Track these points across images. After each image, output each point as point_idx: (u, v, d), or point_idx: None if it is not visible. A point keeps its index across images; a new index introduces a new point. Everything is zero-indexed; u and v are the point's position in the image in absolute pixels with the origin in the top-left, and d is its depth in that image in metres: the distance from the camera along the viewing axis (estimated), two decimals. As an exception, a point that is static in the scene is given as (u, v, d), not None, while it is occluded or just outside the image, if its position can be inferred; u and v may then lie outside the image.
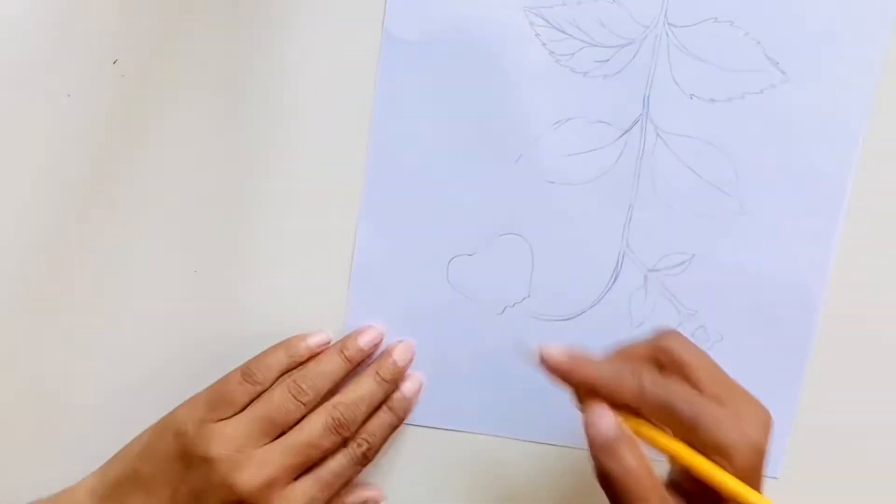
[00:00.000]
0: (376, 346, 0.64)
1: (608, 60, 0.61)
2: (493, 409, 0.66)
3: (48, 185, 0.63)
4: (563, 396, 0.63)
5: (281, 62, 0.62)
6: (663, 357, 0.56)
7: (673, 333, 0.57)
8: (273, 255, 0.64)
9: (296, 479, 0.61)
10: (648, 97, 0.62)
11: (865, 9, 0.60)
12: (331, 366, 0.63)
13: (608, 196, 0.63)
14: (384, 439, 0.64)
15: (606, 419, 0.54)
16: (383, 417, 0.64)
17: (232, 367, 0.63)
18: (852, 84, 0.61)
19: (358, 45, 0.62)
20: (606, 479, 0.53)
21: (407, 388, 0.64)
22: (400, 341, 0.65)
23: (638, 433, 0.54)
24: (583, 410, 0.55)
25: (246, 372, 0.61)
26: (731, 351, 0.64)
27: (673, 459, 0.55)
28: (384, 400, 0.64)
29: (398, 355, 0.64)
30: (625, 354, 0.58)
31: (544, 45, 0.61)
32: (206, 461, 0.59)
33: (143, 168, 0.63)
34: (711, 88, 0.61)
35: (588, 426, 0.54)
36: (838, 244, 0.63)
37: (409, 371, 0.65)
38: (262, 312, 0.65)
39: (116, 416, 0.66)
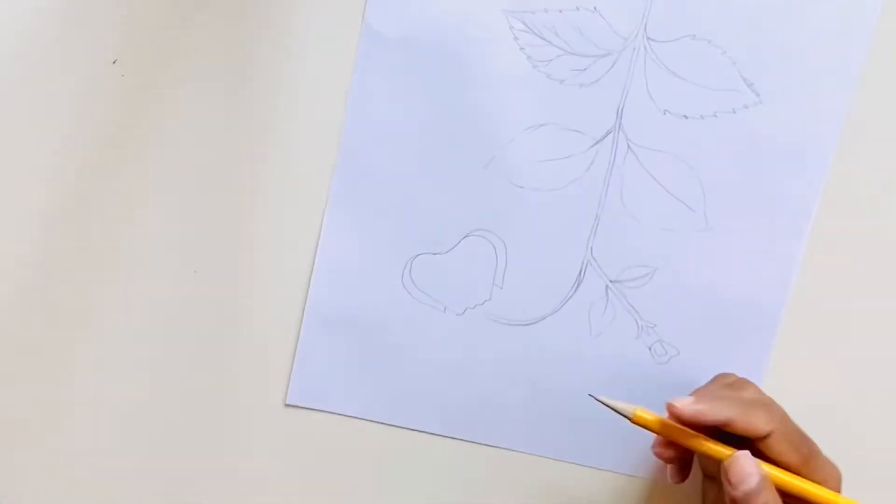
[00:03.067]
0: None
1: (585, 69, 0.61)
2: (450, 411, 0.65)
3: (47, 184, 0.63)
4: (519, 400, 0.64)
5: (275, 61, 0.62)
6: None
7: (741, 380, 0.60)
8: (273, 255, 0.64)
9: None
10: (622, 109, 0.62)
11: (840, 35, 0.61)
12: None
13: (576, 204, 0.63)
14: None
15: (751, 467, 0.55)
16: None
17: (231, 368, 0.65)
18: (824, 109, 0.61)
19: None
20: None
21: None
22: None
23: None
24: (721, 459, 0.56)
25: None
26: (688, 366, 0.65)
27: (801, 493, 0.56)
28: None
29: None
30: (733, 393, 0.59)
31: (522, 49, 0.61)
32: None
33: (143, 168, 0.63)
34: (685, 105, 0.61)
35: (732, 474, 0.55)
36: (800, 265, 0.63)
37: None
38: (261, 312, 0.65)
39: (116, 414, 0.65)
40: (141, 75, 0.62)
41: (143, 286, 0.64)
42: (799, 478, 0.56)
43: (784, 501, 0.55)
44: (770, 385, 0.64)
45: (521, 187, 0.63)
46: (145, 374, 0.65)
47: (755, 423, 0.55)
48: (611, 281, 0.64)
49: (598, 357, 0.65)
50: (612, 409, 0.57)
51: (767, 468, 0.55)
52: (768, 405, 0.57)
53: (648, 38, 0.61)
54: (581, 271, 0.64)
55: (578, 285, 0.64)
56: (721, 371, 0.64)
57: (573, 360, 0.65)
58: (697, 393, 0.59)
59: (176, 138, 0.63)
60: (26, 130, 0.62)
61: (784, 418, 0.56)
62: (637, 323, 0.64)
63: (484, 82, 0.61)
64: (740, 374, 0.63)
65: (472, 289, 0.64)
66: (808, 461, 0.56)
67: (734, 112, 0.61)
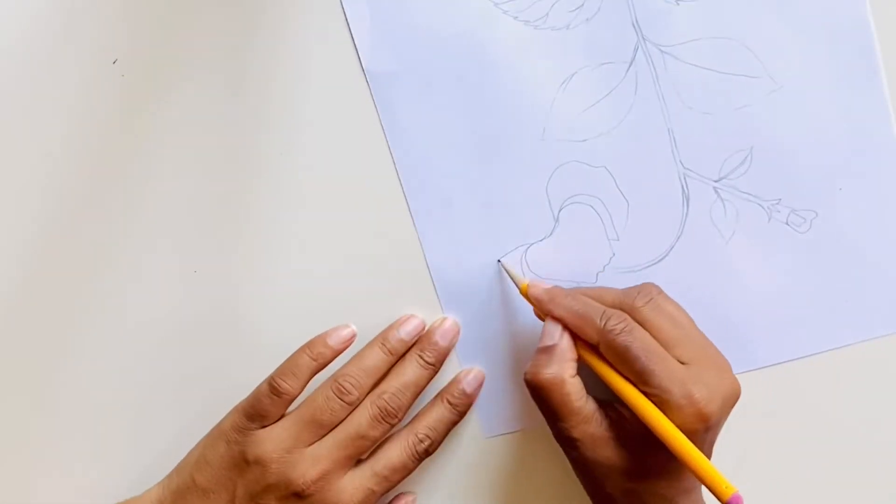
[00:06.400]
0: (418, 335, 0.64)
1: (583, 5, 0.60)
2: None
3: (48, 184, 0.64)
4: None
5: (280, 64, 0.62)
6: (630, 313, 0.58)
7: (644, 290, 0.59)
8: (273, 255, 0.64)
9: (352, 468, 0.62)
10: (637, 21, 0.60)
11: None
12: (373, 360, 0.63)
13: (644, 130, 0.61)
14: (445, 434, 0.63)
15: (550, 330, 0.59)
16: (444, 413, 0.63)
17: (231, 367, 0.65)
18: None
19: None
20: (527, 385, 0.58)
21: (467, 383, 0.64)
22: (444, 319, 0.64)
23: (588, 362, 0.58)
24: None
25: (272, 385, 0.61)
26: (829, 221, 0.62)
27: (619, 394, 0.56)
28: (429, 381, 0.63)
29: (440, 336, 0.63)
30: (599, 297, 0.60)
31: (516, 18, 0.60)
32: (260, 463, 0.60)
33: (143, 168, 0.63)
34: (693, -16, 0.60)
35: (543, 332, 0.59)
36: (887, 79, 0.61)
37: (470, 366, 0.65)
38: (261, 312, 0.65)
39: (118, 414, 0.66)
40: (141, 75, 0.62)
41: (142, 286, 0.65)
42: (599, 360, 0.57)
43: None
44: None
45: (584, 140, 0.62)
46: (145, 374, 0.65)
47: (584, 329, 0.58)
48: (715, 181, 0.62)
49: (743, 255, 0.63)
50: (510, 276, 0.63)
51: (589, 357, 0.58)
52: (613, 318, 0.57)
53: (626, -56, 0.60)
54: (683, 186, 0.62)
55: (688, 201, 0.62)
56: (866, 213, 0.62)
57: (720, 272, 0.63)
58: (580, 289, 0.62)
59: (176, 138, 0.63)
60: (27, 130, 0.63)
61: (621, 337, 0.56)
62: (762, 206, 0.62)
63: (499, 65, 0.61)
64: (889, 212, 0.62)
65: (593, 254, 0.63)
66: (641, 378, 0.55)
67: (744, -33, 0.60)
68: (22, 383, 0.67)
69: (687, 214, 0.63)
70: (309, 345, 0.63)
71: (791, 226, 0.63)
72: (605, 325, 0.57)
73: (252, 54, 0.62)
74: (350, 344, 0.63)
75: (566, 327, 0.59)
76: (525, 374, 0.58)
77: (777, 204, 0.62)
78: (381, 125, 0.62)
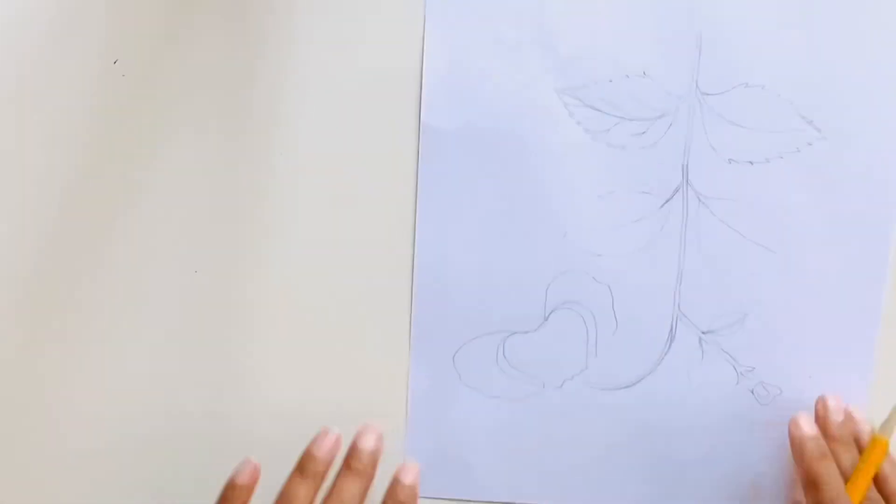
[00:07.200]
0: (335, 453, 0.60)
1: (644, 133, 0.62)
2: (558, 481, 0.66)
3: (48, 184, 0.63)
4: (628, 460, 0.64)
5: (280, 63, 0.62)
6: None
7: None
8: (273, 255, 0.64)
9: None
10: (687, 165, 0.62)
11: (890, 57, 0.61)
12: (353, 490, 0.59)
13: (657, 264, 0.63)
14: None
15: None
16: None
17: (230, 367, 0.65)
18: (889, 137, 0.61)
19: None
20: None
21: (407, 478, 0.60)
22: (365, 426, 0.61)
23: None
24: None
25: None
26: (791, 401, 0.64)
27: None
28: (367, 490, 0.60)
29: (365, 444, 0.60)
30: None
31: (579, 123, 0.62)
32: None
33: (143, 168, 0.63)
34: (748, 151, 0.62)
35: None
36: (889, 283, 0.63)
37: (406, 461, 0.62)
38: (261, 313, 0.65)
39: (116, 416, 0.66)
40: (141, 75, 0.62)
41: (142, 286, 0.65)
42: None
43: None
44: (875, 401, 0.64)
45: (600, 255, 0.63)
46: (144, 374, 0.66)
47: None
48: (703, 332, 0.64)
49: (702, 407, 0.65)
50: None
51: None
52: None
53: (702, 93, 0.61)
54: (672, 327, 0.64)
55: (672, 341, 0.64)
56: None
57: (676, 415, 0.65)
58: None
59: (176, 138, 0.63)
60: (27, 130, 0.63)
61: None
62: (735, 369, 0.64)
63: (547, 159, 0.62)
64: (845, 401, 0.64)
65: (568, 361, 0.65)
66: None
67: (798, 151, 0.61)
68: (20, 383, 0.66)
69: (666, 354, 0.65)
70: (299, 468, 0.59)
71: (755, 395, 0.65)
72: None
73: (253, 54, 0.62)
74: (338, 449, 0.60)
75: None
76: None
77: (749, 371, 0.64)
78: (385, 130, 0.63)
